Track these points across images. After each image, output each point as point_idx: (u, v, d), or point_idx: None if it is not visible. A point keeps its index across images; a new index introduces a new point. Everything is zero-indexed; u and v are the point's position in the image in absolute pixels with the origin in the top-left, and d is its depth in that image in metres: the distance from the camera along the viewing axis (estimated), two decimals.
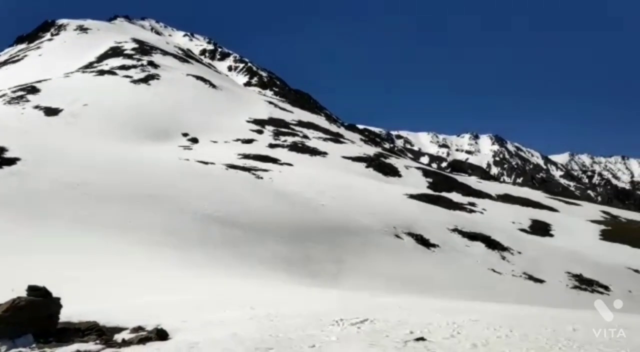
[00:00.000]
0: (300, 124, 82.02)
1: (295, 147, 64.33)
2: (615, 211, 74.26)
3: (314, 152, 63.60)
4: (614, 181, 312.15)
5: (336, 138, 78.42)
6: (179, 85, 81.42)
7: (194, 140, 59.53)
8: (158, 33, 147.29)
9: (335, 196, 36.67)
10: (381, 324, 8.54)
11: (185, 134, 61.13)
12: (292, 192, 34.68)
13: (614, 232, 53.73)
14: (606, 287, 28.56)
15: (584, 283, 28.78)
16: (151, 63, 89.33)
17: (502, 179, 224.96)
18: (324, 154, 63.69)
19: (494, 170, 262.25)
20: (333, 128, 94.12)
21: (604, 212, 68.76)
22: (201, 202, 25.88)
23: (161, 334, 7.60)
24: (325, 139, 73.98)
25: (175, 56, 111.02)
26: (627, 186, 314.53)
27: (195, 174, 33.59)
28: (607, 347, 7.41)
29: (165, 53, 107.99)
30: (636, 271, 35.17)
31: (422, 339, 7.45)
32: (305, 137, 71.97)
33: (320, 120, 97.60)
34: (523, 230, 47.23)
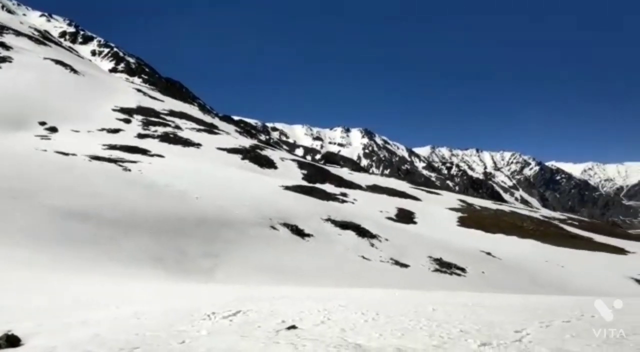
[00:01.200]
0: (172, 113, 79.16)
1: (166, 138, 61.95)
2: (470, 199, 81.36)
3: (187, 143, 61.75)
4: (470, 172, 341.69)
5: (210, 129, 76.82)
6: (35, 69, 74.46)
7: (53, 130, 54.94)
8: (10, 11, 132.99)
9: (209, 188, 35.95)
10: (254, 315, 8.52)
11: (42, 123, 56.12)
12: (163, 184, 33.35)
13: (469, 218, 58.86)
14: (463, 269, 31.07)
15: (444, 266, 31.08)
16: (2, 44, 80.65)
17: (371, 171, 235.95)
18: (197, 145, 62.10)
19: (364, 162, 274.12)
20: (207, 119, 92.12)
21: (461, 200, 75.01)
22: (63, 196, 23.91)
23: (11, 340, 6.86)
24: (198, 130, 72.16)
25: (30, 38, 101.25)
26: (481, 176, 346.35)
27: (55, 167, 30.96)
28: (461, 324, 8.04)
29: (18, 34, 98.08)
30: (488, 253, 38.77)
31: (293, 327, 7.55)
32: (178, 127, 69.61)
33: (193, 111, 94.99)
34: (390, 218, 49.93)
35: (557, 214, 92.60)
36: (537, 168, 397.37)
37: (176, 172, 40.10)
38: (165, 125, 69.12)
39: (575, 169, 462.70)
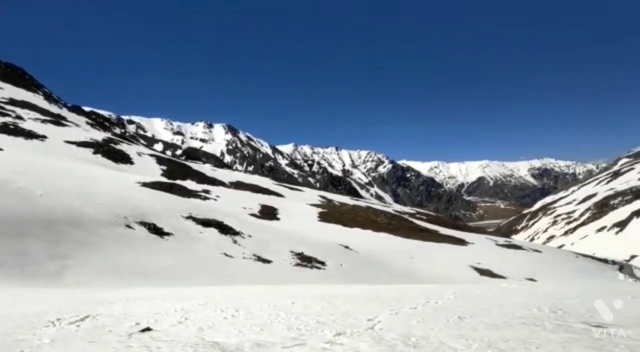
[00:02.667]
0: (13, 102, 71.52)
1: (5, 129, 55.81)
2: (330, 196, 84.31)
3: (30, 135, 56.15)
4: (330, 169, 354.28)
5: (57, 120, 70.63)
6: None
7: None
8: None
9: (56, 185, 33.00)
10: (104, 319, 7.99)
11: None
12: (1, 180, 29.96)
13: (329, 213, 60.96)
14: (323, 263, 32.06)
15: (305, 260, 31.81)
16: None
17: (235, 167, 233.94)
18: (42, 137, 56.76)
19: (228, 158, 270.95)
20: (54, 109, 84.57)
21: (322, 196, 77.44)
22: None
23: None
24: (43, 121, 65.99)
25: None
26: (340, 173, 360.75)
27: None
28: (319, 315, 8.28)
29: None
30: (346, 247, 40.46)
31: (148, 329, 7.21)
32: (19, 118, 63.00)
33: (37, 100, 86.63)
34: (254, 215, 49.98)
35: (407, 209, 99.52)
36: (390, 166, 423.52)
37: (17, 167, 36.23)
38: (4, 115, 62.21)
39: (423, 167, 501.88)
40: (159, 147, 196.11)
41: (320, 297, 10.21)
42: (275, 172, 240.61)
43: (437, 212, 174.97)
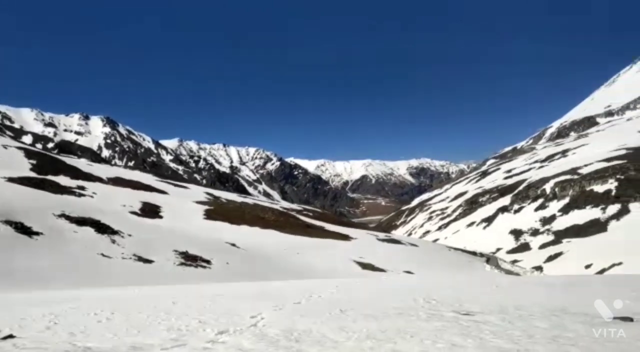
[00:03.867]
0: None
1: None
2: (217, 193, 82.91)
3: None
4: (217, 166, 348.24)
5: None
6: None
7: None
8: None
9: None
10: None
11: None
12: None
13: (215, 211, 59.92)
14: (208, 261, 31.45)
15: (190, 259, 30.99)
16: None
17: (113, 162, 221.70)
18: None
19: (106, 153, 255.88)
20: None
21: (208, 193, 75.90)
22: None
23: None
24: None
25: None
26: (227, 170, 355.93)
27: None
28: (201, 315, 8.10)
29: None
30: (233, 244, 40.03)
31: (10, 336, 6.59)
32: None
33: None
34: (134, 213, 47.71)
35: (294, 206, 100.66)
36: (278, 163, 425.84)
37: None
38: None
39: (310, 165, 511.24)
40: (28, 139, 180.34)
41: (203, 296, 9.99)
42: (158, 168, 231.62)
43: (323, 209, 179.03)
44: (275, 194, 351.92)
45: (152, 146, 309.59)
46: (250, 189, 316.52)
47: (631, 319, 7.60)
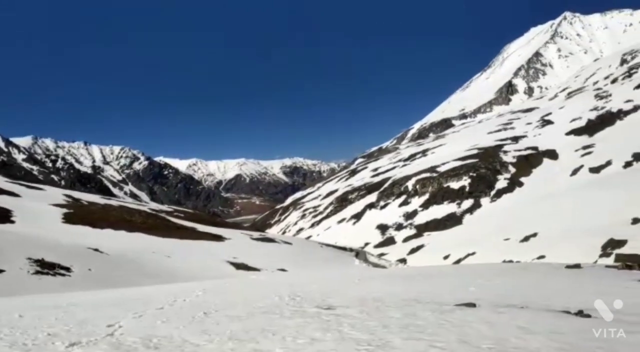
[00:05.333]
0: None
1: None
2: (77, 194, 77.23)
3: None
4: (77, 166, 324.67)
5: None
6: None
7: None
8: None
9: None
10: None
11: None
12: None
13: (76, 214, 55.78)
14: (68, 268, 29.20)
15: (46, 267, 28.50)
16: None
17: None
18: None
19: None
20: None
21: (67, 195, 70.43)
22: None
23: None
24: None
25: None
26: (90, 170, 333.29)
27: None
28: (51, 327, 7.53)
29: None
30: (96, 249, 37.55)
31: None
32: None
33: None
34: None
35: (164, 207, 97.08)
36: (146, 163, 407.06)
37: None
38: None
39: (181, 165, 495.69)
40: None
41: (56, 306, 9.27)
42: (9, 169, 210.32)
43: (196, 210, 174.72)
44: (143, 195, 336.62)
45: (1, 144, 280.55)
46: (115, 190, 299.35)
47: (474, 305, 8.41)
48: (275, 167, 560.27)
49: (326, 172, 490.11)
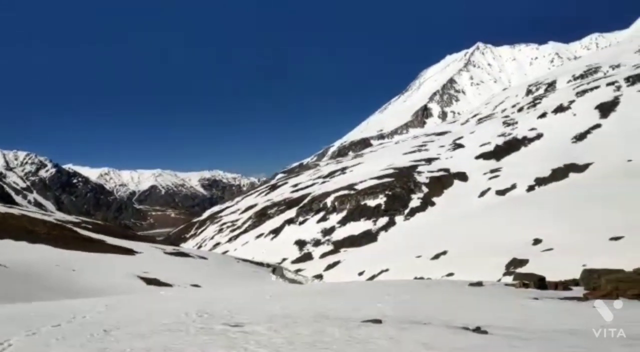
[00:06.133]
0: None
1: None
2: None
3: None
4: None
5: None
6: None
7: None
8: None
9: None
10: None
11: None
12: None
13: None
14: None
15: None
16: None
17: None
18: None
19: None
20: None
21: None
22: None
23: None
24: None
25: None
26: None
27: None
28: None
29: None
30: None
31: None
32: None
33: None
34: None
35: (72, 218, 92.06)
36: (54, 170, 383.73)
37: None
38: None
39: (92, 173, 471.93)
40: None
41: None
42: None
43: (106, 221, 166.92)
44: (49, 205, 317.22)
45: None
46: (18, 199, 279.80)
47: (380, 321, 8.62)
48: (193, 179, 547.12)
49: (246, 186, 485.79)
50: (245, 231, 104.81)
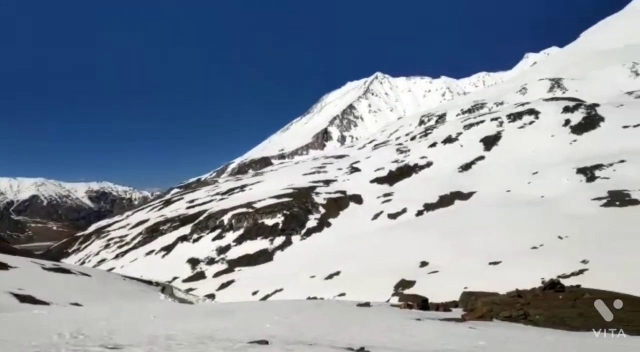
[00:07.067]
0: None
1: None
2: None
3: None
4: None
5: None
6: None
7: None
8: None
9: None
10: None
11: None
12: None
13: None
14: None
15: None
16: None
17: None
18: None
19: None
20: None
21: None
22: None
23: None
24: None
25: None
26: None
27: None
28: None
29: None
30: None
31: None
32: None
33: None
34: None
35: None
36: None
37: None
38: None
39: None
40: None
41: None
42: None
43: None
44: None
45: None
46: None
47: (266, 342, 8.57)
48: (80, 191, 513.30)
49: (138, 200, 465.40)
50: (135, 248, 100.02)
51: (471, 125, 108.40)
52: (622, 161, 68.33)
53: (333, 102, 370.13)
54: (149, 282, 64.00)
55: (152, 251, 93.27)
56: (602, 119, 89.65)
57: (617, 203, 55.47)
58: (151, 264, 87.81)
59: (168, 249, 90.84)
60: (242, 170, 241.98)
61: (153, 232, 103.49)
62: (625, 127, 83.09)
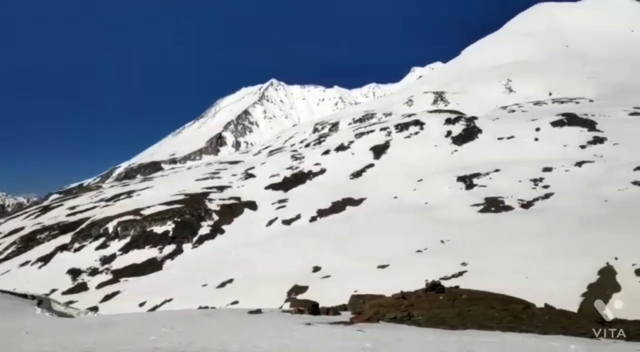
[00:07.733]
0: None
1: None
2: None
3: None
4: None
5: None
6: None
7: None
8: None
9: None
10: None
11: None
12: None
13: None
14: None
15: None
16: None
17: None
18: None
19: None
20: None
21: None
22: None
23: None
24: None
25: None
26: None
27: None
28: None
29: None
30: None
31: None
32: None
33: None
34: None
35: None
36: None
37: None
38: None
39: None
40: None
41: None
42: None
43: None
44: None
45: None
46: None
47: None
48: None
49: (12, 207, 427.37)
50: (7, 258, 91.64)
51: (362, 134, 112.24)
52: (497, 170, 74.38)
53: (228, 107, 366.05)
54: (24, 296, 59.00)
55: (27, 262, 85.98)
56: (480, 131, 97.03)
57: (493, 209, 60.31)
58: (27, 275, 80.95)
59: (46, 259, 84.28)
60: (129, 175, 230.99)
61: (29, 241, 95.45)
62: (500, 138, 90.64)
